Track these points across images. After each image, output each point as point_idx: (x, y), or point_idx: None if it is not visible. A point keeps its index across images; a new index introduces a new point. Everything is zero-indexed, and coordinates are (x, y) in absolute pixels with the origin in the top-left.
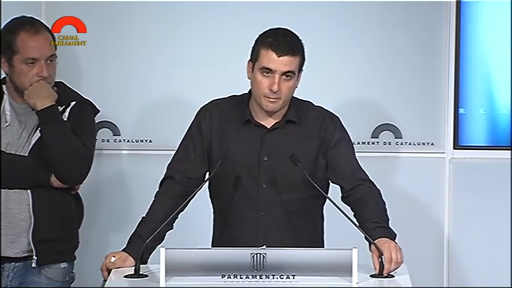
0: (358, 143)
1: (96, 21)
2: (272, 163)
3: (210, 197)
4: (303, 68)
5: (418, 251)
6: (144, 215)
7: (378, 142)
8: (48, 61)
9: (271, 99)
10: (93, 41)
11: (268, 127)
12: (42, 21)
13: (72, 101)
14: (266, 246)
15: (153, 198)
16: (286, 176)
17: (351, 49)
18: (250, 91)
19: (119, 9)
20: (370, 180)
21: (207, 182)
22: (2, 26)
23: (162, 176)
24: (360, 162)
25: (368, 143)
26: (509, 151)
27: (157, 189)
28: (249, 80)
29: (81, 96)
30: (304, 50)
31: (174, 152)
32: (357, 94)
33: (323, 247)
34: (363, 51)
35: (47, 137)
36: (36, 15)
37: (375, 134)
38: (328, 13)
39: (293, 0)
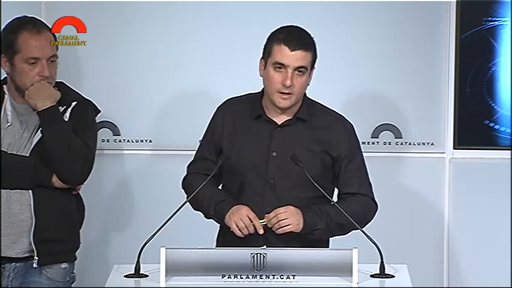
0: None
1: (96, 21)
2: (280, 159)
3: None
4: (315, 66)
5: (418, 250)
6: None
7: (378, 142)
8: (50, 61)
9: (284, 96)
10: (93, 41)
11: (279, 123)
12: (43, 21)
13: (73, 101)
14: (271, 243)
15: (187, 187)
16: (294, 173)
17: (350, 49)
18: (263, 89)
19: (119, 9)
20: (368, 196)
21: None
22: (2, 26)
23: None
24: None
25: (368, 143)
26: (509, 151)
27: (183, 181)
28: (261, 78)
29: (82, 96)
30: (316, 47)
31: (194, 152)
32: (357, 94)
33: (328, 246)
34: (363, 51)
35: (48, 138)
36: (36, 15)
37: (375, 134)
38: (328, 13)
39: (293, 0)
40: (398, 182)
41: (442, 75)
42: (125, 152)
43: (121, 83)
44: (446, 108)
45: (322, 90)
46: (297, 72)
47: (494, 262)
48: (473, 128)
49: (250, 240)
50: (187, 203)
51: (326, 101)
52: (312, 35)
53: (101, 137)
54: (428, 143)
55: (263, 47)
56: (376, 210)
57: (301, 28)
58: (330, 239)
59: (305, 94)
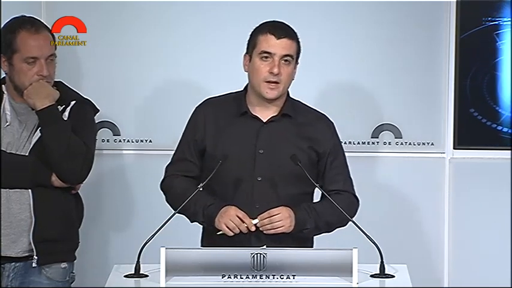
0: (358, 143)
1: (96, 21)
2: (267, 156)
3: (203, 189)
4: (299, 61)
5: (418, 251)
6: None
7: (377, 142)
8: (48, 60)
9: (271, 86)
10: (93, 41)
11: (264, 121)
12: (42, 20)
13: (72, 101)
14: (259, 241)
15: (168, 189)
16: (281, 170)
17: (350, 49)
18: (246, 87)
19: (119, 9)
20: (351, 192)
21: (204, 176)
22: (1, 26)
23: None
24: (350, 170)
25: (368, 143)
26: (509, 151)
27: (162, 183)
28: (246, 74)
29: (80, 95)
30: (299, 40)
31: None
32: (357, 94)
33: (312, 245)
34: (363, 51)
35: (47, 137)
36: (36, 15)
37: (375, 134)
38: (328, 13)
39: (293, 0)
40: (399, 182)
41: (442, 75)
42: (125, 152)
43: (121, 83)
44: (446, 108)
45: (322, 90)
46: (283, 61)
47: (494, 262)
48: (473, 128)
49: (238, 238)
50: (170, 205)
51: (326, 101)
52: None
53: (100, 137)
54: (428, 143)
55: (247, 42)
56: (358, 207)
57: (284, 22)
58: (327, 238)
59: (288, 93)
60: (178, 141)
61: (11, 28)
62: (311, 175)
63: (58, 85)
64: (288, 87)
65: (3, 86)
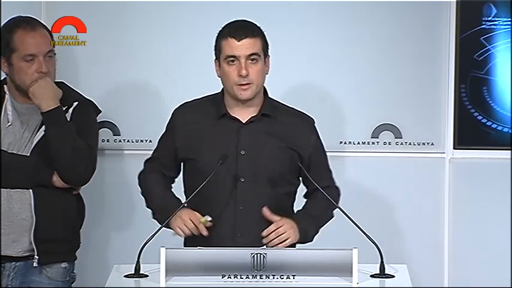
0: (358, 143)
1: (96, 21)
2: (250, 157)
3: (185, 193)
4: (269, 53)
5: (418, 251)
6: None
7: (378, 142)
8: (47, 57)
9: (243, 87)
10: (93, 41)
11: (244, 121)
12: (39, 19)
13: (75, 102)
14: (243, 241)
15: (142, 183)
16: (264, 169)
17: (350, 49)
18: (223, 89)
19: (119, 9)
20: (334, 185)
21: (186, 178)
22: (1, 26)
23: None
24: (349, 170)
25: (368, 143)
26: (509, 151)
27: (139, 176)
28: (220, 79)
29: (83, 96)
30: (265, 34)
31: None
32: (357, 94)
33: (295, 246)
34: (363, 51)
35: (52, 138)
36: (36, 15)
37: (375, 134)
38: (328, 13)
39: (293, 0)
40: (398, 182)
41: (442, 75)
42: (125, 152)
43: (121, 83)
44: (446, 108)
45: (322, 90)
46: (250, 61)
47: (494, 262)
48: (473, 128)
49: (220, 236)
50: (144, 198)
51: (325, 101)
52: (259, 25)
53: (101, 137)
54: (428, 143)
55: (214, 48)
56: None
57: (245, 20)
58: (327, 238)
59: (267, 92)
60: (158, 139)
61: (8, 28)
62: (292, 174)
63: (60, 86)
64: (262, 84)
65: (5, 86)
